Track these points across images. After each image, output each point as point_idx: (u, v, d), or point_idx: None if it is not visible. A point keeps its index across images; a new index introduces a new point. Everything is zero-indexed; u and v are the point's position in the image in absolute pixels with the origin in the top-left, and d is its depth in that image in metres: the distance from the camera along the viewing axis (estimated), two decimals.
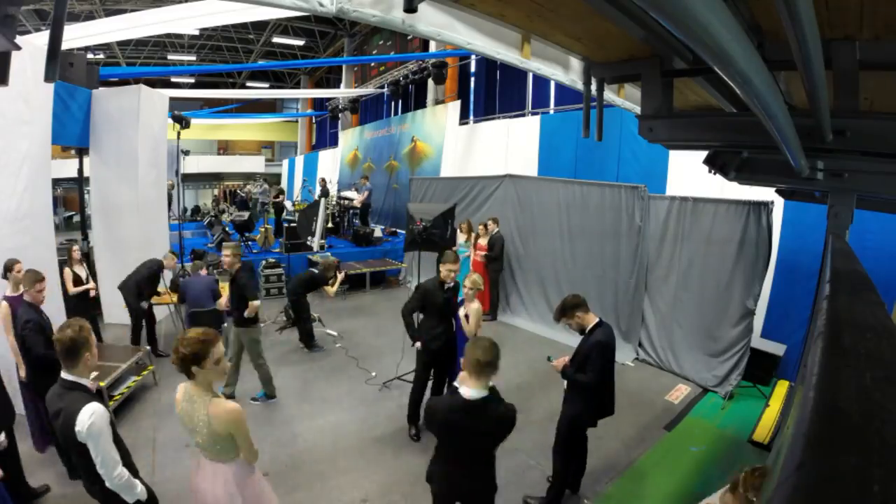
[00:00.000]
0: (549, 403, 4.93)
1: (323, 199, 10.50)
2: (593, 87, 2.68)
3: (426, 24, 1.97)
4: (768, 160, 2.97)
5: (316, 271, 6.15)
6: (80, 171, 7.00)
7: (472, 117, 12.31)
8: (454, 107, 11.60)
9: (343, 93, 17.90)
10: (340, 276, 6.26)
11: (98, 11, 14.27)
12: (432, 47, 12.07)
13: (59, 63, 1.85)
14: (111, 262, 6.55)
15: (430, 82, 12.46)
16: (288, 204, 13.48)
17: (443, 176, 10.83)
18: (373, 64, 15.79)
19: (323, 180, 12.32)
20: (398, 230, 12.14)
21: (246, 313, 4.37)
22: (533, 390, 5.20)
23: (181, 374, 2.14)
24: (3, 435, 2.93)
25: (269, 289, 8.45)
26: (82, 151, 6.80)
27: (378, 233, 11.25)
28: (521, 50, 2.35)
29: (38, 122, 4.86)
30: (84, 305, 5.23)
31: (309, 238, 9.75)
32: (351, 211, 11.90)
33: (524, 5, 1.94)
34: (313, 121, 25.27)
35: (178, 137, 7.71)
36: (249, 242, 9.96)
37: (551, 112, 9.93)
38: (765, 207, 4.95)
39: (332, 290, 6.11)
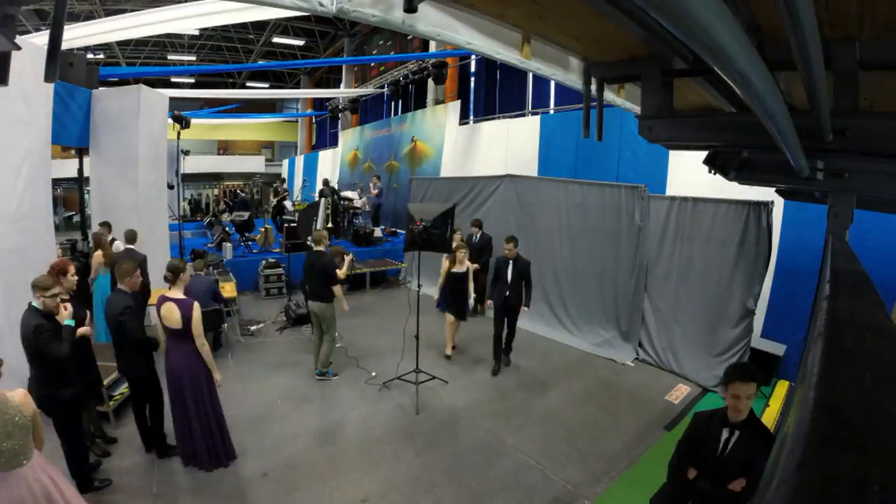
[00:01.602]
0: (549, 404, 4.94)
1: (323, 200, 10.48)
2: (593, 87, 2.68)
3: (426, 24, 1.97)
4: (768, 160, 2.96)
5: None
6: (80, 171, 7.00)
7: (472, 117, 12.31)
8: (454, 107, 11.60)
9: (343, 93, 17.90)
10: (348, 258, 6.10)
11: (98, 11, 14.27)
12: (432, 47, 12.07)
13: (59, 63, 1.85)
14: None
15: (430, 82, 12.46)
16: (288, 204, 13.49)
17: (443, 176, 10.83)
18: (373, 64, 15.79)
19: (326, 181, 12.40)
20: (398, 230, 12.15)
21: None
22: (533, 391, 5.20)
23: None
24: None
25: (269, 289, 8.47)
26: (82, 151, 6.80)
27: (378, 233, 11.26)
28: (521, 50, 2.35)
29: (38, 122, 4.86)
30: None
31: (309, 238, 9.73)
32: (351, 211, 11.92)
33: (524, 5, 1.94)
34: (313, 121, 25.27)
35: (178, 137, 7.71)
36: (249, 242, 9.96)
37: (551, 112, 9.93)
38: (765, 207, 4.95)
39: (342, 272, 5.93)
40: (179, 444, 3.66)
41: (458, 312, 5.97)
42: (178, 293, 3.49)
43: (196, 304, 3.46)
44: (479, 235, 7.45)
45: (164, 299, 3.45)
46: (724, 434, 2.22)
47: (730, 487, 2.11)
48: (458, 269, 5.84)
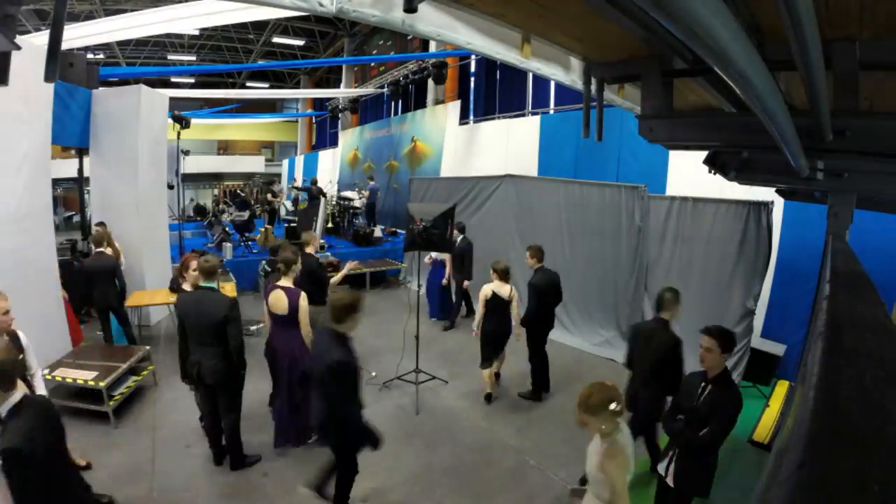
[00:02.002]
0: (549, 404, 4.95)
1: (323, 200, 10.49)
2: (593, 87, 2.68)
3: (426, 24, 1.97)
4: (768, 160, 2.96)
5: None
6: (80, 171, 7.01)
7: (472, 117, 12.32)
8: (454, 107, 11.60)
9: (343, 93, 17.90)
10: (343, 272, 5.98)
11: (98, 11, 14.27)
12: (432, 47, 12.08)
13: (59, 63, 1.85)
14: None
15: (430, 82, 12.47)
16: (288, 204, 13.50)
17: (443, 176, 10.83)
18: (373, 64, 15.80)
19: (314, 180, 12.36)
20: (398, 230, 12.16)
21: None
22: None
23: None
24: None
25: None
26: (82, 151, 6.80)
27: (378, 233, 11.27)
28: (521, 50, 2.35)
29: (38, 122, 4.86)
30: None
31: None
32: (351, 211, 11.93)
33: (524, 5, 1.94)
34: (313, 121, 25.28)
35: (178, 137, 7.72)
36: (249, 242, 9.96)
37: (551, 112, 9.93)
38: (765, 207, 4.95)
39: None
40: (280, 423, 3.97)
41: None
42: (288, 282, 3.77)
43: (303, 294, 3.72)
44: (459, 239, 6.79)
45: (273, 287, 3.77)
46: (701, 386, 2.83)
47: (699, 435, 2.64)
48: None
